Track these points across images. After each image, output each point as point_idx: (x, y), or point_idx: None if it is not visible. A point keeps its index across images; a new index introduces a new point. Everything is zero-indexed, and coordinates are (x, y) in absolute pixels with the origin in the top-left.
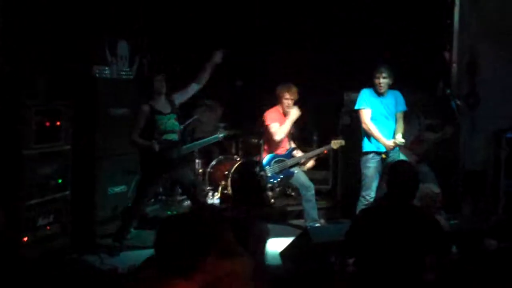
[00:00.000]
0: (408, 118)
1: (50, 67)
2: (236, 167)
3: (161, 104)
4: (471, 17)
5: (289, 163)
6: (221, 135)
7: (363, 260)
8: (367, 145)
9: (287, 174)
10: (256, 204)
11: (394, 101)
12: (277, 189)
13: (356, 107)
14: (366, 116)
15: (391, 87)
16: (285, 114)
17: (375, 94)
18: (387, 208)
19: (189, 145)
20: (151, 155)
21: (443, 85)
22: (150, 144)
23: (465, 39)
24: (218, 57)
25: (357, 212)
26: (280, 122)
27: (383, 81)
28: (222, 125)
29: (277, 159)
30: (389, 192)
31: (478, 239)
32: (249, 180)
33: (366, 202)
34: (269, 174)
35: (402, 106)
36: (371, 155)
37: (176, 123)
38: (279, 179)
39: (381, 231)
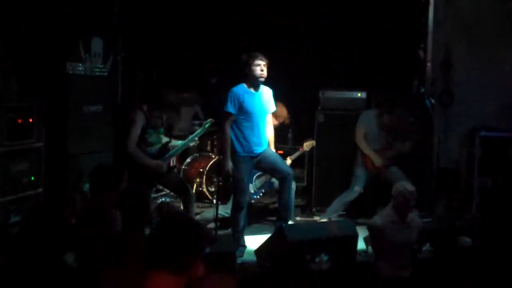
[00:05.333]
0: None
1: (22, 64)
2: None
3: (155, 117)
4: (446, 16)
5: (270, 176)
6: (207, 125)
7: None
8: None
9: (268, 187)
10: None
11: (268, 99)
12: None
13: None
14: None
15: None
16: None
17: (249, 90)
18: None
19: (177, 147)
20: (140, 167)
21: (417, 83)
22: (160, 164)
23: (439, 38)
24: None
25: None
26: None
27: (265, 69)
28: (197, 122)
29: (258, 173)
30: None
31: (452, 237)
32: None
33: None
34: (251, 191)
35: (273, 106)
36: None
37: (162, 136)
38: (261, 194)
39: None
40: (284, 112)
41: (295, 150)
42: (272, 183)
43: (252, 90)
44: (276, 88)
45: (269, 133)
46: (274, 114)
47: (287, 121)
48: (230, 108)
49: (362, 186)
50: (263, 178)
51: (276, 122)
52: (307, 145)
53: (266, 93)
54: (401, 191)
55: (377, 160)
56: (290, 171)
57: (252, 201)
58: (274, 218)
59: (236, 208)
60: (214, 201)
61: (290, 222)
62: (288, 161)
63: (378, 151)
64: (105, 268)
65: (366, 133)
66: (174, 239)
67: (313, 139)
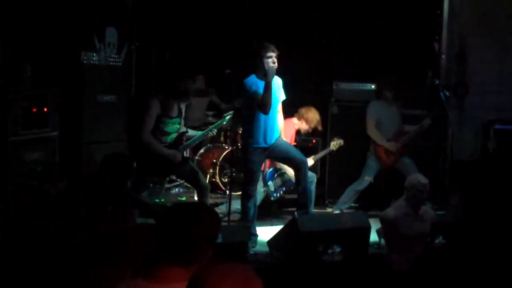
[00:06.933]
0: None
1: (37, 53)
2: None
3: (170, 105)
4: (461, 7)
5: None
6: (228, 117)
7: None
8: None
9: (289, 184)
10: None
11: (278, 88)
12: None
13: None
14: None
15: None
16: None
17: (260, 80)
18: None
19: (194, 138)
20: (154, 156)
21: (432, 75)
22: (174, 154)
23: (454, 30)
24: None
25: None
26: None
27: (277, 60)
28: (210, 113)
29: (279, 172)
30: None
31: (465, 230)
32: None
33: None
34: (272, 189)
35: (283, 95)
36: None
37: (178, 126)
38: (281, 192)
39: None
40: (316, 116)
41: (308, 141)
42: (292, 182)
43: (263, 80)
44: (289, 79)
45: (280, 123)
46: (305, 119)
47: (319, 127)
48: (255, 93)
49: (372, 176)
50: (285, 177)
51: (306, 127)
52: (335, 144)
53: (276, 82)
54: (415, 183)
55: (392, 146)
56: (304, 159)
57: (272, 198)
58: (287, 209)
59: (245, 196)
60: (227, 192)
61: (312, 210)
62: (311, 161)
63: (392, 139)
64: (105, 262)
65: (378, 123)
66: (183, 225)
67: (341, 138)
